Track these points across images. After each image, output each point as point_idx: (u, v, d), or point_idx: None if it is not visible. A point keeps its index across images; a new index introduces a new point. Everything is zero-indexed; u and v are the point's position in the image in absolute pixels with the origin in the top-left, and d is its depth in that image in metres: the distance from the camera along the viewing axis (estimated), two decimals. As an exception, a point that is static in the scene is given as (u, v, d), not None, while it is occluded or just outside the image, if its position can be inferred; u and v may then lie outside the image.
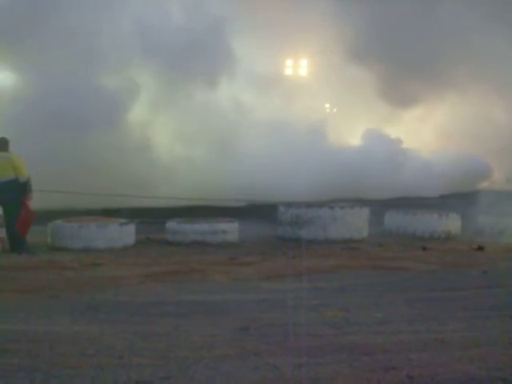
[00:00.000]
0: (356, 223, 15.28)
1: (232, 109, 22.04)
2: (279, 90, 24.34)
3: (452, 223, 16.16)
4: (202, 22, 21.47)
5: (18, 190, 13.54)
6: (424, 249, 14.23)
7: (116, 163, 19.26)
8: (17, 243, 13.48)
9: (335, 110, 30.29)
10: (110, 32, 20.44)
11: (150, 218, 17.13)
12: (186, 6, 22.18)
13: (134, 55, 20.72)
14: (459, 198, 19.51)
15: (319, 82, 27.59)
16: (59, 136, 18.55)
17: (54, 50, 19.67)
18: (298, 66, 32.84)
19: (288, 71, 32.17)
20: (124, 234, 14.28)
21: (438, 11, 25.05)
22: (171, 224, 15.05)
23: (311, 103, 26.24)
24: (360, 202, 17.04)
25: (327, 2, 25.35)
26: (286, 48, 28.22)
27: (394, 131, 24.91)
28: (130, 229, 14.47)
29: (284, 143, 21.23)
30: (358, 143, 24.25)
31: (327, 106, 30.61)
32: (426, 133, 27.14)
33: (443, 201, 20.45)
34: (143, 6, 21.50)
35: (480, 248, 14.23)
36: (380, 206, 16.99)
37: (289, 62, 32.40)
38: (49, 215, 15.12)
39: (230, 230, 15.02)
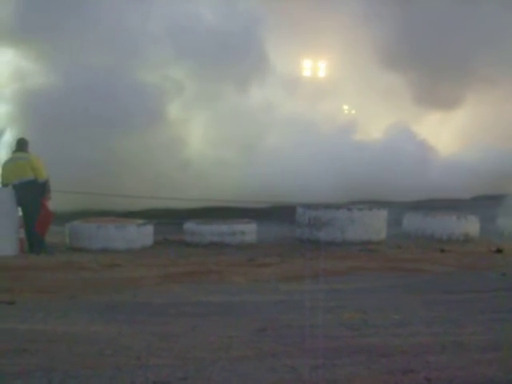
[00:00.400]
0: (374, 225, 15.22)
1: (261, 110, 22.09)
2: (306, 92, 24.42)
3: (470, 225, 16.07)
4: (235, 23, 21.53)
5: (37, 190, 13.61)
6: (442, 251, 14.18)
7: (147, 164, 19.41)
8: (35, 244, 13.55)
9: (353, 111, 30.22)
10: (143, 30, 20.58)
11: (173, 219, 17.09)
12: (218, 7, 22.26)
13: (166, 55, 20.81)
14: (489, 200, 19.35)
15: (339, 83, 27.47)
16: (90, 133, 18.70)
17: (85, 44, 19.80)
18: (317, 68, 32.75)
19: (306, 72, 32.10)
20: (142, 234, 14.32)
21: (466, 12, 24.86)
22: (189, 225, 15.06)
23: (335, 105, 26.32)
24: (385, 203, 17.01)
25: (348, 2, 25.33)
26: (304, 48, 28.15)
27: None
28: (148, 230, 14.51)
29: (311, 144, 21.28)
30: (383, 142, 24.04)
31: (345, 107, 30.54)
32: (446, 134, 26.95)
33: (472, 203, 20.20)
34: (176, 6, 21.59)
35: (499, 250, 14.16)
36: (399, 208, 16.93)
37: (307, 64, 32.33)
38: (75, 217, 15.23)
39: (248, 231, 15.03)
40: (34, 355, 6.57)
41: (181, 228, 15.26)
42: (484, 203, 18.76)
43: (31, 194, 13.51)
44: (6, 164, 14.02)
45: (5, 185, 13.76)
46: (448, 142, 25.99)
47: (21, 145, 14.13)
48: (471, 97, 25.94)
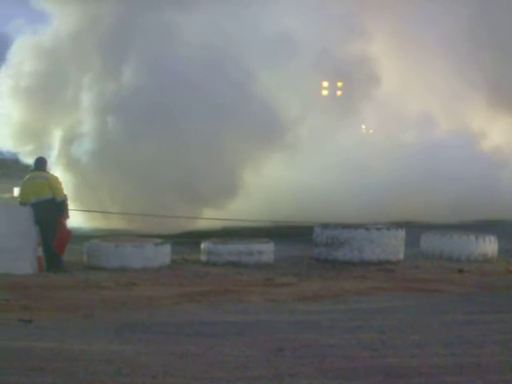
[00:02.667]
0: (392, 245, 15.13)
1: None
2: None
3: (489, 246, 15.94)
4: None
5: (55, 209, 13.66)
6: (460, 271, 14.08)
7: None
8: (53, 262, 13.57)
9: (371, 131, 30.21)
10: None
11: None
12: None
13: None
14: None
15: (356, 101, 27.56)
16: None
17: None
18: (336, 88, 32.75)
19: (324, 92, 32.10)
20: (160, 254, 14.29)
21: None
22: (207, 244, 15.04)
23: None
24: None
25: None
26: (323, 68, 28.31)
27: None
28: (166, 249, 14.48)
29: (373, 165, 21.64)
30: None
31: (363, 126, 30.52)
32: None
33: None
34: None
35: (518, 271, 14.09)
36: (418, 227, 16.89)
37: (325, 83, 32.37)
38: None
39: (265, 250, 14.97)
40: (51, 374, 6.57)
41: (199, 248, 15.26)
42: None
43: (49, 212, 13.55)
44: (25, 183, 14.10)
45: (23, 203, 13.83)
46: None
47: (39, 164, 14.21)
48: None
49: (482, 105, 26.63)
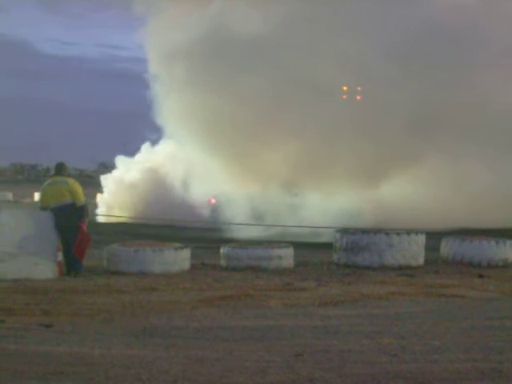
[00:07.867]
0: (412, 250, 15.08)
1: None
2: None
3: (510, 250, 15.84)
4: None
5: (75, 214, 13.71)
6: (481, 276, 14.01)
7: None
8: (73, 267, 13.62)
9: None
10: None
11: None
12: None
13: None
14: None
15: None
16: None
17: None
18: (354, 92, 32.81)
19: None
20: (179, 258, 14.32)
21: None
22: (226, 249, 15.06)
23: None
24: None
25: None
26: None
27: None
28: (186, 253, 14.51)
29: None
30: None
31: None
32: None
33: None
34: None
35: (539, 276, 13.99)
36: (438, 233, 16.86)
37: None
38: None
39: (285, 255, 14.97)
40: (70, 378, 6.59)
41: (218, 252, 15.28)
42: None
43: (69, 217, 13.61)
44: (45, 188, 14.17)
45: (44, 208, 13.90)
46: None
47: (60, 169, 14.28)
48: None
49: None
